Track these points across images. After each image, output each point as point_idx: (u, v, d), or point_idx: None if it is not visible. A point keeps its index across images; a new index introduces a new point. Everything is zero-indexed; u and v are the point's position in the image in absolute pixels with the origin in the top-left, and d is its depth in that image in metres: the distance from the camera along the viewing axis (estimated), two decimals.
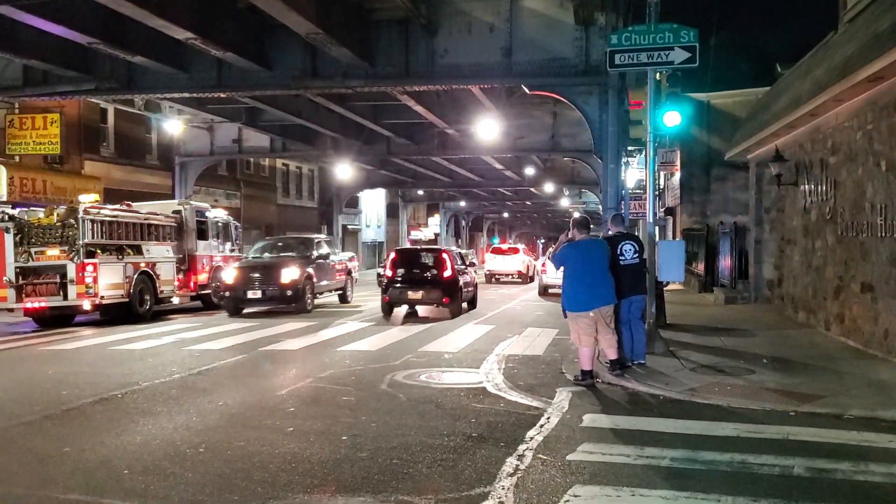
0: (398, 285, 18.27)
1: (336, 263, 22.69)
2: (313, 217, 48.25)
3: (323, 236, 26.44)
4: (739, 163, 21.50)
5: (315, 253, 21.16)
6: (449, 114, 26.11)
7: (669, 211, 32.52)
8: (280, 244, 22.65)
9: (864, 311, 11.43)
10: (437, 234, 68.85)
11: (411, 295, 18.32)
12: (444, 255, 19.02)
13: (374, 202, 58.44)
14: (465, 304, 19.70)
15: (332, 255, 22.60)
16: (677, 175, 29.12)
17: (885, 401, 7.92)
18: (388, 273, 18.76)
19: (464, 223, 79.15)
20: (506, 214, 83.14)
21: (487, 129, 25.65)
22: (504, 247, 41.66)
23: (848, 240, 12.18)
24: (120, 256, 17.52)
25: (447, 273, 18.50)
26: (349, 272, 23.78)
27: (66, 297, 16.53)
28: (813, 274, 14.25)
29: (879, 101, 10.71)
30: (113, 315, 17.48)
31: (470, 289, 20.35)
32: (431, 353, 12.26)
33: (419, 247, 34.72)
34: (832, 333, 12.89)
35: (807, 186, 14.54)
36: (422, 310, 19.21)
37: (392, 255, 20.06)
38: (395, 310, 18.53)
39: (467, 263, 22.92)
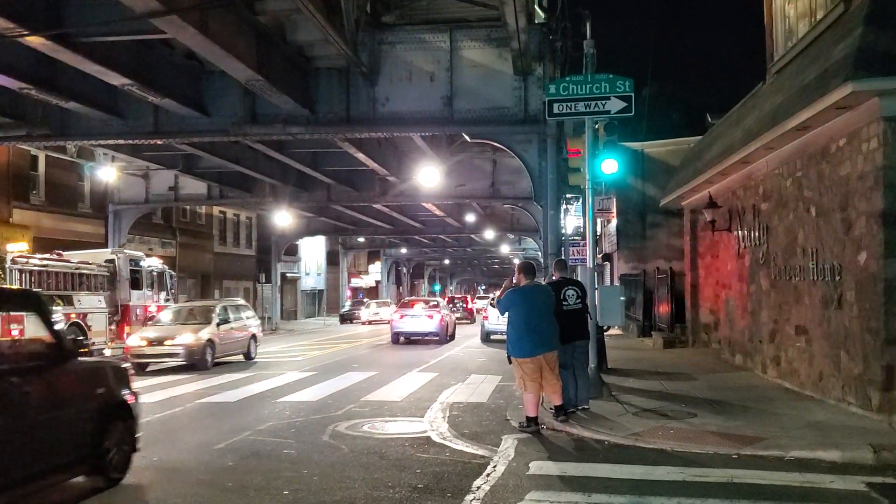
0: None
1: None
2: (251, 265, 47.51)
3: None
4: (674, 209, 21.99)
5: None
6: (390, 161, 26.16)
7: (607, 257, 32.97)
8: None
9: (799, 353, 11.68)
10: (377, 282, 68.46)
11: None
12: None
13: (313, 250, 57.93)
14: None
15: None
16: (614, 222, 29.58)
17: (824, 442, 8.04)
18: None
19: (405, 270, 78.96)
20: (447, 261, 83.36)
21: (429, 176, 25.70)
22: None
23: (781, 284, 12.48)
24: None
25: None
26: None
27: None
28: (748, 318, 14.55)
29: (808, 150, 11.11)
30: None
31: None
32: (374, 402, 12.05)
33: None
34: (769, 376, 13.12)
35: (740, 232, 14.92)
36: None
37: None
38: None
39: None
